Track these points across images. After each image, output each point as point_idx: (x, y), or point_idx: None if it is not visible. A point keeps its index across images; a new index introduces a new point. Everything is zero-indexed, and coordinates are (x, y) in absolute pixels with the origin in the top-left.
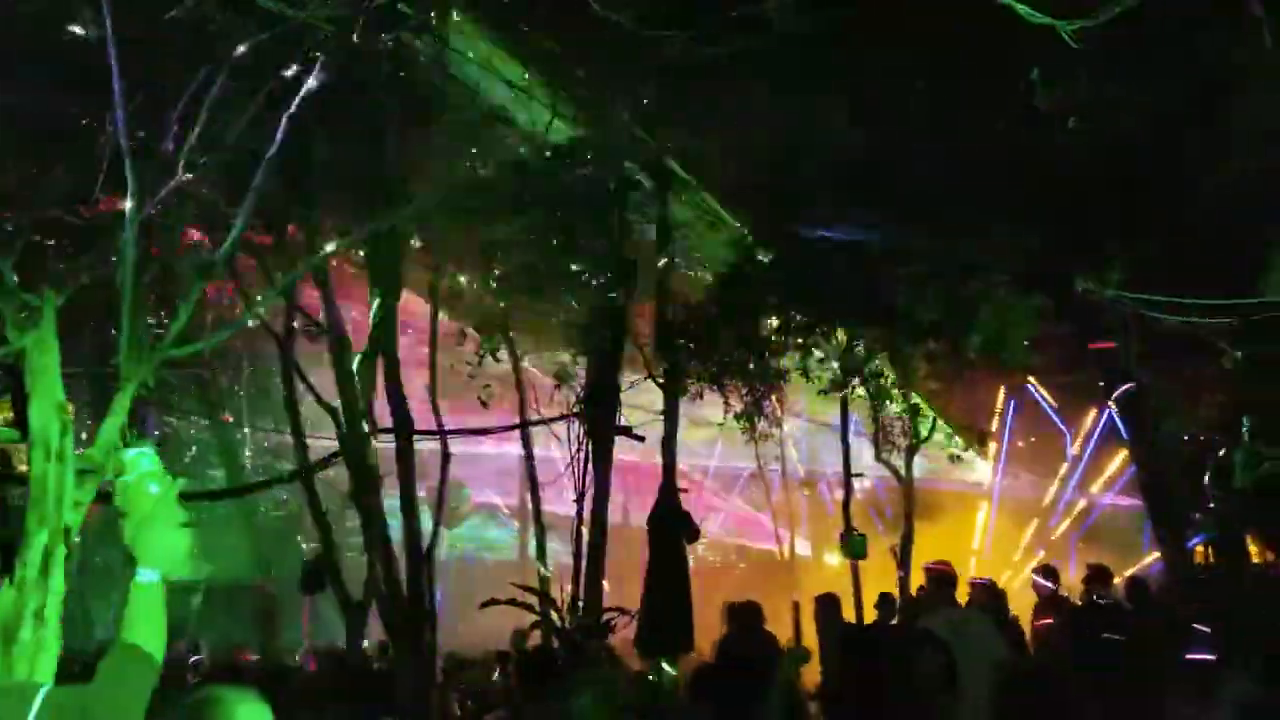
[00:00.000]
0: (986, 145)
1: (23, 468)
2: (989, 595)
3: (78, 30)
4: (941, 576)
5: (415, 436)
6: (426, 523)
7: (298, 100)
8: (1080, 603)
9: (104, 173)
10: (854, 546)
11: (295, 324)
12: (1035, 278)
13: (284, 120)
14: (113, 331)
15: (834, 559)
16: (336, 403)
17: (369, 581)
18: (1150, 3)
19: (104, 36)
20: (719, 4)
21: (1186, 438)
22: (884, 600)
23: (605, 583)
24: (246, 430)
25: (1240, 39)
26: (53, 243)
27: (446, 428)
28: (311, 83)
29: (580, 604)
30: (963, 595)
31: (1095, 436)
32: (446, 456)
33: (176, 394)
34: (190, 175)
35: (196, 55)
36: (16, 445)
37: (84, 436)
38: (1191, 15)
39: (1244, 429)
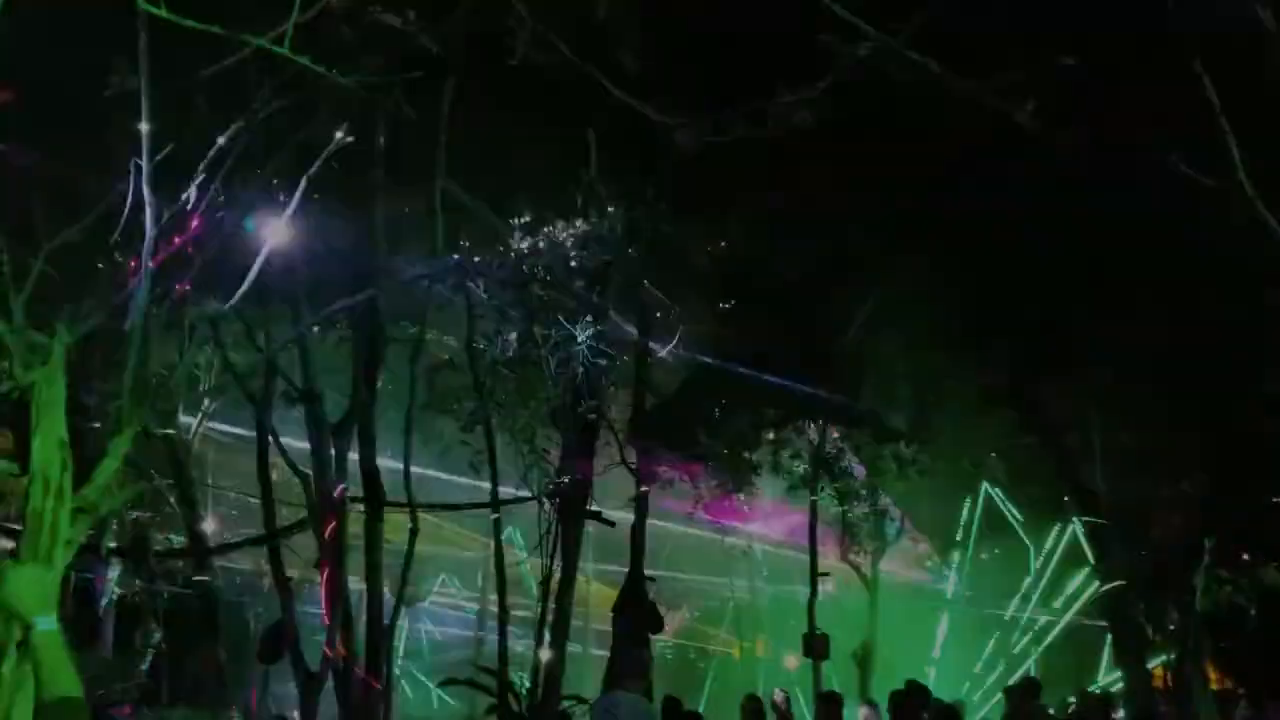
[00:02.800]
0: (960, 255)
1: None
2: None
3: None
4: None
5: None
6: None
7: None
8: None
9: (125, 216)
10: (817, 647)
11: (272, 387)
12: (1003, 390)
13: (303, 180)
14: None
15: (794, 660)
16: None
17: (326, 653)
18: None
19: (137, 89)
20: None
21: (1147, 557)
22: (828, 698)
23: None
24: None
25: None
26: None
27: (418, 501)
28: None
29: (539, 690)
30: None
31: (1059, 551)
32: (414, 531)
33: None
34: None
35: (223, 110)
36: (15, 479)
37: None
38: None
39: (1205, 552)
